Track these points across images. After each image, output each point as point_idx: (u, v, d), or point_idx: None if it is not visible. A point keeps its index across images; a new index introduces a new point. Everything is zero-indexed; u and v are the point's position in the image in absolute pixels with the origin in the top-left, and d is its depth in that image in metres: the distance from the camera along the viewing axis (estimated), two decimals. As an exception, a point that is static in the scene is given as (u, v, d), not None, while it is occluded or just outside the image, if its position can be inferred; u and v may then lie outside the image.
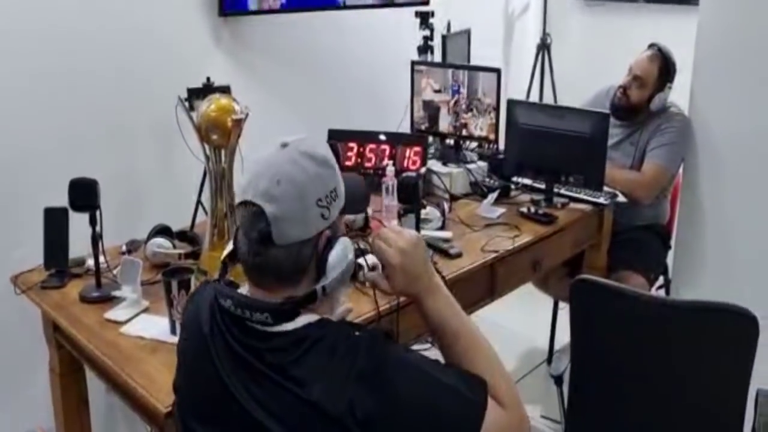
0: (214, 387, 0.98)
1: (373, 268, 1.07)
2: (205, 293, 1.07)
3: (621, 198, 2.36)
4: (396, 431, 0.91)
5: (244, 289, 1.02)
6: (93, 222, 1.61)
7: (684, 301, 1.50)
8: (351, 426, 0.88)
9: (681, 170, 2.42)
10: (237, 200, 0.99)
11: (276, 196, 0.95)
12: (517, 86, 3.29)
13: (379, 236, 1.06)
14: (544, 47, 3.38)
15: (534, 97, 3.38)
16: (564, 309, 2.64)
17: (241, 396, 0.95)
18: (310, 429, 0.90)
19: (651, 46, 2.44)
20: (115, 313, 1.53)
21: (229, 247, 1.06)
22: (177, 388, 1.13)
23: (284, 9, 2.35)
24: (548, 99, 3.38)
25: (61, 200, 1.64)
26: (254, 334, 0.96)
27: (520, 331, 2.80)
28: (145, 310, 1.56)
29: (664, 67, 2.40)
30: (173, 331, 1.47)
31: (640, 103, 2.44)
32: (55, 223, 1.66)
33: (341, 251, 0.98)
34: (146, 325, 1.50)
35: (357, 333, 0.97)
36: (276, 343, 0.95)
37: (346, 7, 2.52)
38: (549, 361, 2.65)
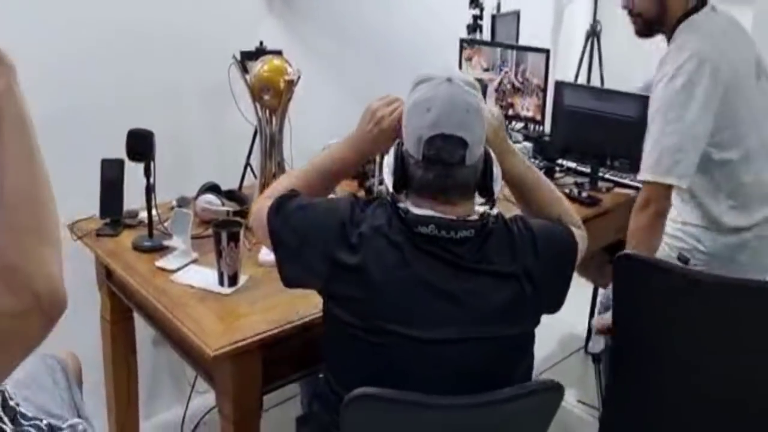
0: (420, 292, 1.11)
1: None
2: (373, 219, 1.14)
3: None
4: (545, 266, 1.20)
5: (418, 209, 1.14)
6: (147, 173, 1.65)
7: (731, 278, 1.47)
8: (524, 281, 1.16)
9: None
10: (427, 134, 1.11)
11: (468, 124, 1.12)
12: (564, 72, 3.25)
13: None
14: (593, 34, 3.33)
15: (580, 85, 3.34)
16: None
17: (448, 287, 1.12)
18: (508, 294, 1.15)
19: None
20: (166, 262, 1.58)
21: (389, 180, 1.17)
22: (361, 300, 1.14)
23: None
24: (595, 87, 3.33)
25: (115, 153, 1.69)
26: (453, 243, 1.12)
27: (558, 315, 2.75)
28: (195, 261, 1.60)
29: None
30: (221, 282, 1.50)
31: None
32: (111, 173, 1.71)
33: (496, 164, 1.20)
34: (195, 275, 1.54)
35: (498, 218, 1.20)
36: (470, 244, 1.14)
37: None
38: (586, 347, 2.63)
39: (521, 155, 1.35)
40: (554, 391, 1.14)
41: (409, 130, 1.15)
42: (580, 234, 1.33)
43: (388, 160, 1.19)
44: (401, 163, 1.16)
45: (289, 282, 1.21)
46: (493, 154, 1.20)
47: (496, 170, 1.20)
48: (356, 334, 1.13)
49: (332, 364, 1.24)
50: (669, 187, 1.70)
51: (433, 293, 1.12)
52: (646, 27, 1.86)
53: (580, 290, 2.68)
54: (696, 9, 1.78)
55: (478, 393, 1.10)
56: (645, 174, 1.73)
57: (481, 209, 1.19)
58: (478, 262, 1.13)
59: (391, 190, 1.17)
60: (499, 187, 1.20)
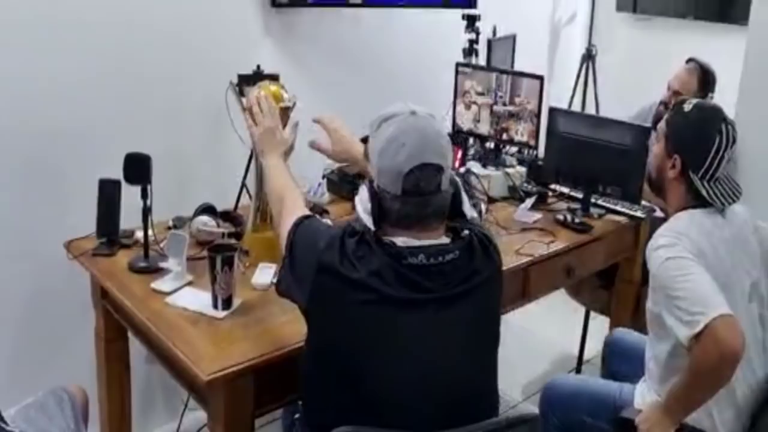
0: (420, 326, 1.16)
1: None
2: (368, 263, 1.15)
3: (659, 213, 2.36)
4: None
5: (400, 240, 1.17)
6: (144, 195, 1.67)
7: None
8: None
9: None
10: (406, 167, 1.14)
11: (443, 151, 1.18)
12: (559, 96, 3.29)
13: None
14: (589, 58, 3.38)
15: (576, 108, 3.38)
16: (595, 318, 2.64)
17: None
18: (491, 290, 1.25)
19: (689, 61, 2.45)
20: (161, 284, 1.59)
21: (367, 219, 1.18)
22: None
23: (341, 4, 2.42)
24: (590, 111, 3.37)
25: (113, 173, 1.71)
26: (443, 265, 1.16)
27: (551, 336, 2.80)
28: (189, 284, 1.62)
29: (703, 78, 2.40)
30: (215, 306, 1.52)
31: (684, 118, 2.43)
32: (108, 194, 1.73)
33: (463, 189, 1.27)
34: (190, 298, 1.56)
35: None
36: (459, 262, 1.18)
37: (398, 5, 2.56)
38: (578, 369, 2.65)
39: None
40: (531, 422, 1.17)
41: (386, 168, 1.17)
42: None
43: (362, 198, 1.21)
44: (376, 199, 1.18)
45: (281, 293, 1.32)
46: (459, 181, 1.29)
47: (464, 194, 1.27)
48: (337, 368, 1.17)
49: (311, 401, 1.26)
50: None
51: (425, 347, 1.16)
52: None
53: (573, 314, 2.74)
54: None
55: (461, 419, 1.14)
56: None
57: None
58: (468, 279, 1.18)
59: (372, 228, 1.18)
60: (468, 208, 1.28)
